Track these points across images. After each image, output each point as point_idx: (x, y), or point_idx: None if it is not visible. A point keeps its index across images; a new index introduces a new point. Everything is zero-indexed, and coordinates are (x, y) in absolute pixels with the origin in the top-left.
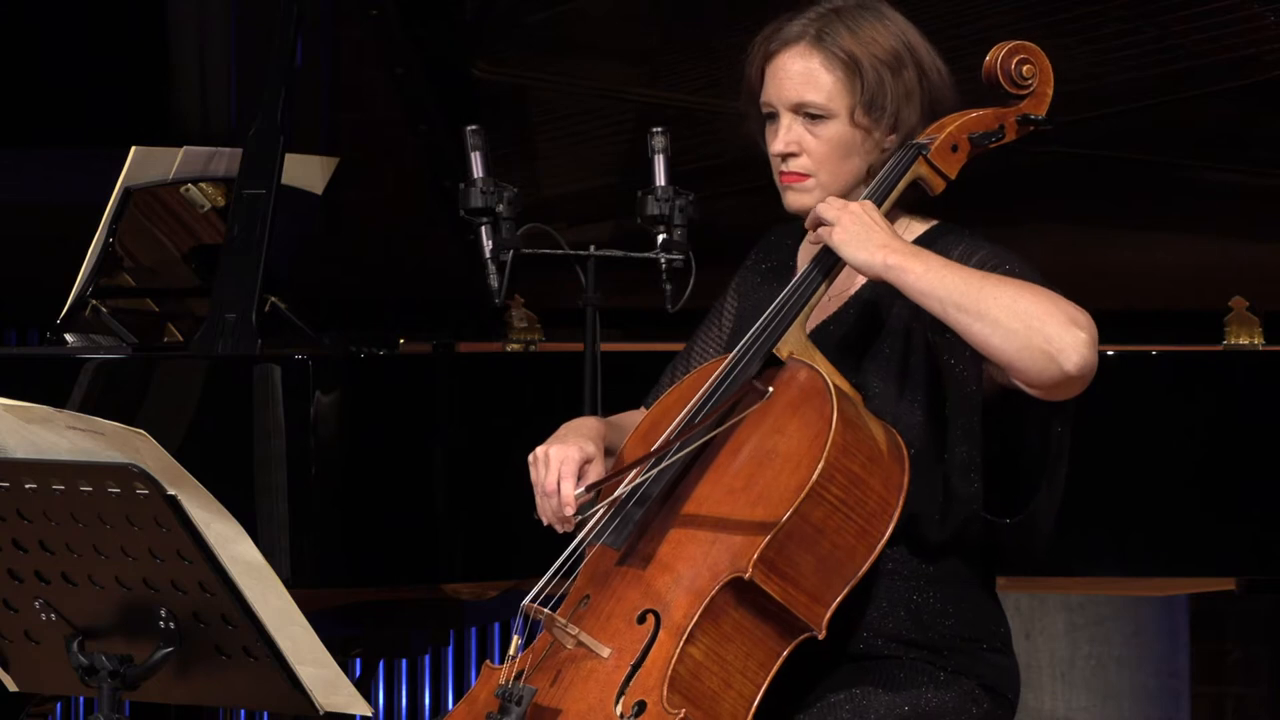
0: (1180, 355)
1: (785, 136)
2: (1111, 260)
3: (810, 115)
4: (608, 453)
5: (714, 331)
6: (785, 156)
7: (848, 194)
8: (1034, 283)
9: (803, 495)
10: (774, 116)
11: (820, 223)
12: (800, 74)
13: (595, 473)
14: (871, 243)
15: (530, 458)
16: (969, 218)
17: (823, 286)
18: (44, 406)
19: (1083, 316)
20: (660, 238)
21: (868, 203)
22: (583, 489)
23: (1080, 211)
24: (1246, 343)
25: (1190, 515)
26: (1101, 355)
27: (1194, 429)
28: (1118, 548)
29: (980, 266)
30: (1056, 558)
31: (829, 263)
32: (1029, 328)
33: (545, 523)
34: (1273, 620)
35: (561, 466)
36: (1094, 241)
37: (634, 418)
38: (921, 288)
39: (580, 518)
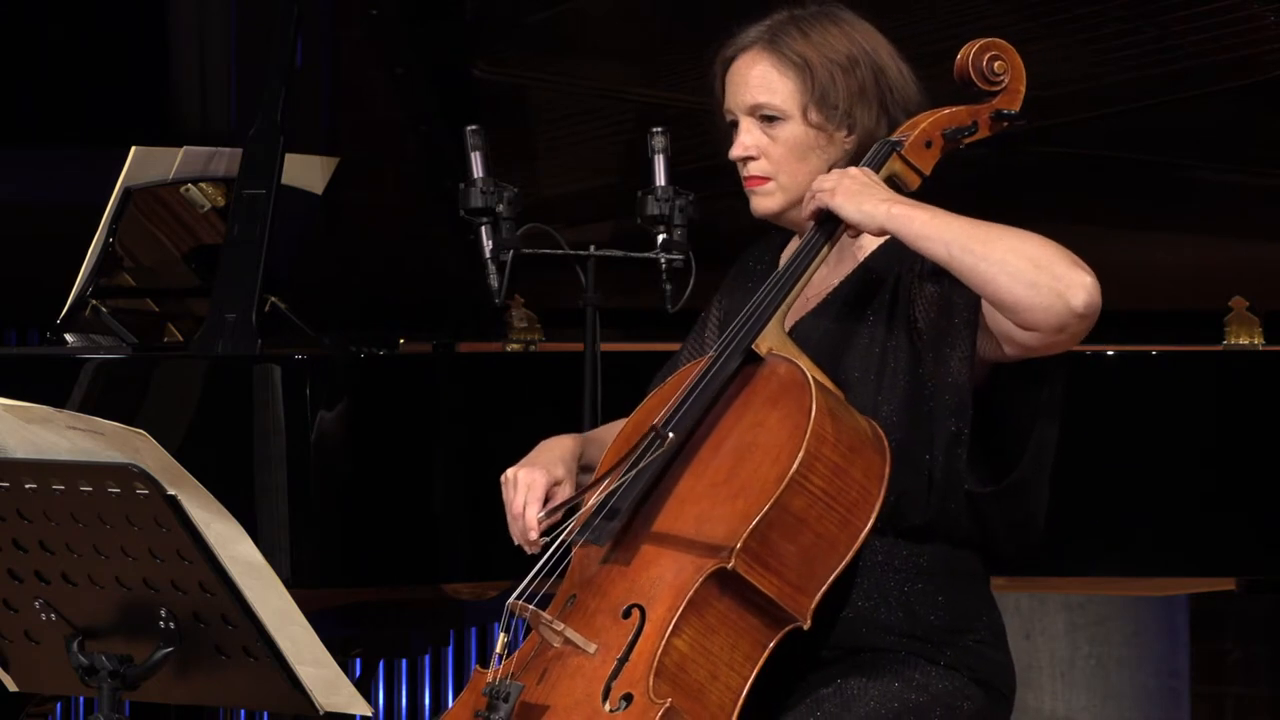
0: (1180, 355)
1: (743, 140)
2: (1111, 260)
3: (766, 117)
4: (586, 469)
5: (699, 340)
6: (745, 160)
7: None
8: None
9: (783, 485)
10: (736, 124)
11: (816, 197)
12: (755, 77)
13: (562, 496)
14: (875, 196)
15: (502, 478)
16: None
17: (800, 283)
18: (44, 406)
19: (1085, 263)
20: (660, 238)
21: (865, 168)
22: (545, 513)
23: (1080, 211)
24: (1246, 343)
25: (1190, 515)
26: (1101, 355)
27: (1194, 429)
28: (1118, 547)
29: None
30: (1056, 558)
31: (805, 261)
32: (1036, 266)
33: (516, 542)
34: (1273, 620)
35: (528, 491)
36: (1094, 241)
37: (614, 430)
38: (926, 232)
39: (547, 540)
